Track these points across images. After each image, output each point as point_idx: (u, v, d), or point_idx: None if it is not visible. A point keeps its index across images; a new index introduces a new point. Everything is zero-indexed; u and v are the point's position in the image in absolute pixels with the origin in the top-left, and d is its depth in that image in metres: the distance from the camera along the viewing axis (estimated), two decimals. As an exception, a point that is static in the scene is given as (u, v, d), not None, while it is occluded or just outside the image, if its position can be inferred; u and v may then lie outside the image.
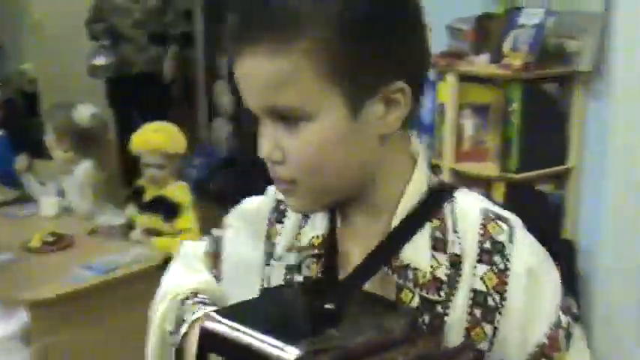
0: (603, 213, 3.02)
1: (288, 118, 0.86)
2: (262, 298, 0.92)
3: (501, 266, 0.89)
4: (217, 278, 1.07)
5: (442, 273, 0.89)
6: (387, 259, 0.90)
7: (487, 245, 0.90)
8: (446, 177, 3.06)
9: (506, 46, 2.97)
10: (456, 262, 0.89)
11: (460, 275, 0.89)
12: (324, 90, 0.84)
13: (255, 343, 0.74)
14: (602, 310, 3.07)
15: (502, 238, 0.90)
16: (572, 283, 3.01)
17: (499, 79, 2.95)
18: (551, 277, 0.92)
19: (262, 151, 0.89)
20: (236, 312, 0.84)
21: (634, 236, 2.94)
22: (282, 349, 0.72)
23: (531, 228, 2.99)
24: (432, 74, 3.20)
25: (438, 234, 0.90)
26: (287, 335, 0.75)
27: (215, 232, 1.11)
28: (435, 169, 0.97)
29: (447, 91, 3.01)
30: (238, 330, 0.77)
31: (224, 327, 0.78)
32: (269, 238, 1.02)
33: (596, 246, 3.07)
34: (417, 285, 0.89)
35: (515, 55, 2.89)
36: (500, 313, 0.88)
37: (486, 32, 3.12)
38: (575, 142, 3.04)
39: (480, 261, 0.89)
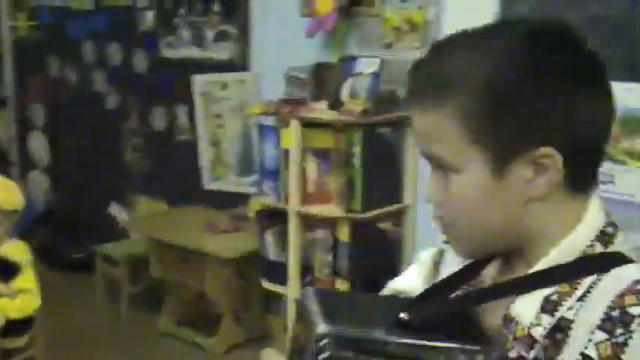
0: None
1: (441, 167, 0.92)
2: (378, 296, 1.07)
3: (621, 339, 0.81)
4: None
5: (538, 333, 0.87)
6: (492, 298, 0.92)
7: (614, 314, 0.83)
8: (292, 220, 3.16)
9: (344, 93, 3.13)
10: (561, 326, 0.86)
11: (565, 339, 0.86)
12: (466, 147, 0.89)
13: (312, 316, 0.89)
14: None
15: (635, 311, 0.82)
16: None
17: (339, 125, 3.10)
18: None
19: (427, 192, 0.96)
20: (335, 296, 1.04)
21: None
22: (318, 324, 0.87)
23: (375, 263, 3.12)
24: (274, 121, 3.30)
25: (555, 297, 0.88)
26: (340, 323, 0.87)
27: (442, 245, 1.13)
28: (607, 238, 0.91)
29: (291, 136, 3.11)
30: (310, 306, 0.91)
31: (309, 300, 0.92)
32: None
33: (432, 278, 3.28)
34: (515, 338, 0.89)
35: (354, 102, 3.06)
36: None
37: (323, 80, 3.27)
38: (410, 182, 3.26)
39: (600, 327, 0.83)
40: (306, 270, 3.25)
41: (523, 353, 0.87)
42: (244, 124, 3.92)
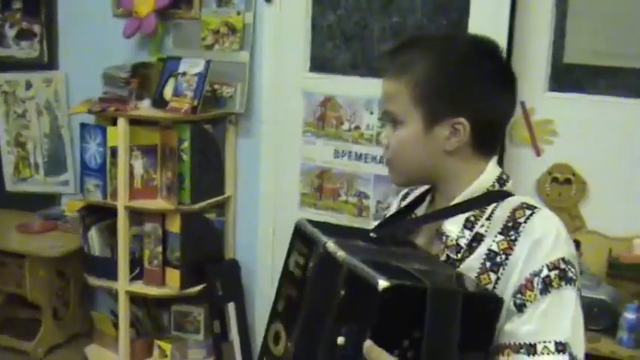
0: (258, 234, 3.54)
1: (393, 120, 1.34)
2: (349, 226, 1.36)
3: (512, 237, 1.25)
4: None
5: (463, 242, 1.29)
6: (427, 222, 1.37)
7: (509, 224, 1.26)
8: (121, 215, 3.26)
9: (168, 92, 3.29)
10: (477, 237, 1.29)
11: (480, 244, 1.28)
12: (412, 109, 1.31)
13: (314, 234, 1.24)
14: (261, 314, 3.58)
15: (521, 220, 1.26)
16: (238, 294, 3.46)
17: (166, 122, 3.26)
18: (551, 244, 1.23)
19: (381, 137, 1.39)
20: (323, 224, 1.28)
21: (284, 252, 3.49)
22: (320, 239, 1.21)
23: (202, 251, 3.35)
24: (95, 119, 3.37)
25: (472, 218, 1.30)
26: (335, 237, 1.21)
27: (385, 212, 1.60)
28: (502, 181, 1.35)
29: (118, 134, 3.20)
30: (307, 229, 1.27)
31: (306, 227, 1.28)
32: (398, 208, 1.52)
33: (254, 262, 3.57)
34: (446, 246, 1.31)
35: (179, 100, 3.23)
36: (503, 267, 1.24)
37: (144, 79, 3.39)
38: (231, 174, 3.50)
39: (500, 233, 1.26)
40: (134, 262, 3.36)
41: (452, 255, 1.29)
42: (53, 123, 3.89)
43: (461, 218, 1.31)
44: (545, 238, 1.23)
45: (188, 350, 3.50)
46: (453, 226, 1.31)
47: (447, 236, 1.31)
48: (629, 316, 2.65)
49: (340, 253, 1.13)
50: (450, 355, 1.08)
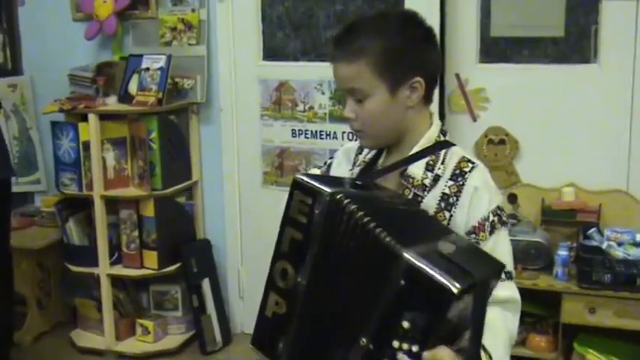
0: (225, 214, 3.82)
1: (358, 95, 1.55)
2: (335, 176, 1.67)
3: (460, 182, 1.55)
4: None
5: (427, 182, 1.56)
6: (397, 169, 1.60)
7: (457, 172, 1.56)
8: (98, 205, 3.50)
9: (133, 87, 3.55)
10: (436, 178, 1.56)
11: (436, 184, 1.56)
12: (376, 82, 1.53)
13: (309, 182, 1.42)
14: (234, 288, 3.88)
15: (466, 170, 1.56)
16: (211, 270, 3.73)
17: (134, 115, 3.51)
18: (489, 194, 1.55)
19: (346, 112, 1.58)
20: (316, 176, 1.50)
21: (254, 233, 3.79)
22: (320, 188, 1.40)
23: (176, 232, 3.59)
24: (65, 117, 3.60)
25: (430, 162, 1.58)
26: (329, 187, 1.41)
27: (328, 160, 1.78)
28: (444, 132, 1.62)
29: (90, 130, 3.45)
30: (308, 177, 1.45)
31: (302, 179, 1.44)
32: (355, 160, 1.72)
33: (223, 240, 3.85)
34: (413, 186, 1.57)
35: (144, 94, 3.49)
36: (455, 207, 1.54)
37: (109, 77, 3.63)
38: (196, 161, 3.78)
39: (450, 179, 1.56)
40: (112, 248, 3.61)
41: (419, 193, 1.56)
42: (21, 125, 4.09)
43: (422, 162, 1.57)
44: (482, 189, 1.55)
45: (169, 326, 3.76)
46: (417, 169, 1.57)
47: (413, 178, 1.57)
48: (562, 253, 3.03)
49: (353, 207, 1.35)
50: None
